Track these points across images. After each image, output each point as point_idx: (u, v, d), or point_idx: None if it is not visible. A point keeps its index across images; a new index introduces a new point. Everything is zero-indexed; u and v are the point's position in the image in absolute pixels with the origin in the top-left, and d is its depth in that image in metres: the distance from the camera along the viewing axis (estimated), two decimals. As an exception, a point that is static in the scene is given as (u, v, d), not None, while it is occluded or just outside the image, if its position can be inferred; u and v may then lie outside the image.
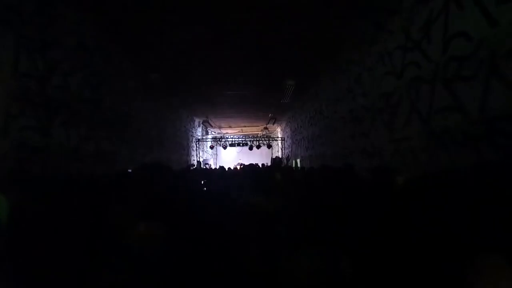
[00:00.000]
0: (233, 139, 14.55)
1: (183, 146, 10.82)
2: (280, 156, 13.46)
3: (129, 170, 4.73)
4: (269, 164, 11.82)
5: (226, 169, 7.66)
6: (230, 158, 15.14)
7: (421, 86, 3.04)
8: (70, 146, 3.74)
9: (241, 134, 15.99)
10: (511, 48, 1.95)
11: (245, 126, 14.84)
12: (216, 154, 16.45)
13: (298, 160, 10.14)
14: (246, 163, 7.40)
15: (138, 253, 1.08)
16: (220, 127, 14.80)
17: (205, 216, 1.37)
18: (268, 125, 13.14)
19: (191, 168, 9.08)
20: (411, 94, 3.24)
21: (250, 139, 14.07)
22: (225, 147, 13.91)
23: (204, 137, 14.51)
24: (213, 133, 15.81)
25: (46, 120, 3.32)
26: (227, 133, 15.94)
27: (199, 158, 12.77)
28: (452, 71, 2.54)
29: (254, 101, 9.41)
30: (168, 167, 1.11)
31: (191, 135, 12.40)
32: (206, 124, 13.27)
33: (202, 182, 4.17)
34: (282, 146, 14.32)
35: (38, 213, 1.91)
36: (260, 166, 10.16)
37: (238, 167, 10.47)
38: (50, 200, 2.01)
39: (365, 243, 1.39)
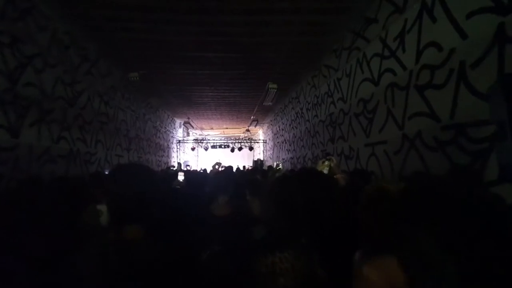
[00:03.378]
0: (215, 141, 14.44)
1: (163, 147, 10.61)
2: (262, 159, 13.51)
3: (106, 172, 4.58)
4: (250, 166, 11.81)
5: (208, 171, 7.59)
6: (211, 159, 15.00)
7: (396, 93, 3.17)
8: (41, 146, 3.56)
9: (223, 136, 15.91)
10: (479, 58, 2.08)
11: (227, 128, 14.77)
12: (197, 155, 16.25)
13: (280, 163, 10.21)
14: (227, 165, 7.36)
15: (112, 256, 1.04)
16: (201, 129, 14.64)
17: (182, 220, 1.35)
18: (250, 127, 13.16)
19: (171, 169, 8.91)
20: (387, 100, 3.36)
21: (232, 141, 14.03)
22: (206, 149, 13.77)
23: (185, 139, 14.29)
24: (194, 134, 15.61)
25: (15, 118, 3.14)
26: (208, 134, 15.80)
27: (179, 159, 12.56)
28: (425, 79, 2.67)
29: (236, 103, 9.41)
30: (146, 168, 1.08)
31: (172, 136, 12.18)
32: (187, 125, 13.08)
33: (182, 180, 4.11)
34: (264, 148, 14.39)
35: (5, 213, 1.80)
36: (242, 168, 10.15)
37: (220, 169, 10.38)
38: (18, 201, 1.90)
39: (340, 245, 1.42)
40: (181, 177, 4.25)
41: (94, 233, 1.51)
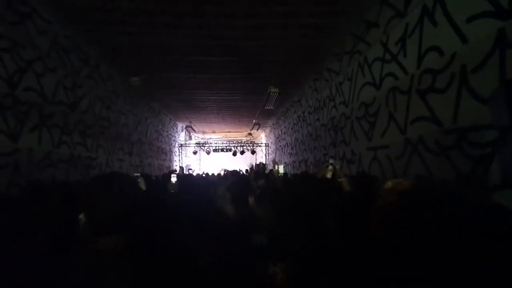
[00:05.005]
0: (217, 144, 14.43)
1: (165, 151, 10.61)
2: (264, 162, 13.48)
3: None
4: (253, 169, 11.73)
5: (210, 175, 7.57)
6: (213, 163, 14.99)
7: (398, 97, 3.13)
8: (41, 151, 3.56)
9: (225, 139, 15.91)
10: (480, 62, 2.04)
11: (229, 132, 14.77)
12: (200, 159, 16.25)
13: (282, 166, 10.17)
14: (230, 169, 7.34)
15: (95, 267, 1.01)
16: (203, 132, 14.66)
17: (174, 227, 1.31)
18: (252, 131, 13.15)
19: (173, 173, 8.87)
20: (389, 104, 3.33)
21: (234, 144, 14.01)
22: (208, 153, 13.75)
23: (187, 142, 14.30)
24: (196, 138, 15.63)
25: (15, 123, 3.15)
26: (210, 138, 15.81)
27: (181, 163, 12.56)
28: (427, 83, 2.64)
29: (238, 107, 9.40)
30: (127, 177, 1.06)
31: (174, 140, 12.19)
32: (189, 129, 13.10)
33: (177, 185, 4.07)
34: (266, 152, 14.35)
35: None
36: (244, 172, 10.11)
37: (222, 173, 10.35)
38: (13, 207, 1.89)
39: (341, 255, 1.38)
40: (174, 179, 4.23)
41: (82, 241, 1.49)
